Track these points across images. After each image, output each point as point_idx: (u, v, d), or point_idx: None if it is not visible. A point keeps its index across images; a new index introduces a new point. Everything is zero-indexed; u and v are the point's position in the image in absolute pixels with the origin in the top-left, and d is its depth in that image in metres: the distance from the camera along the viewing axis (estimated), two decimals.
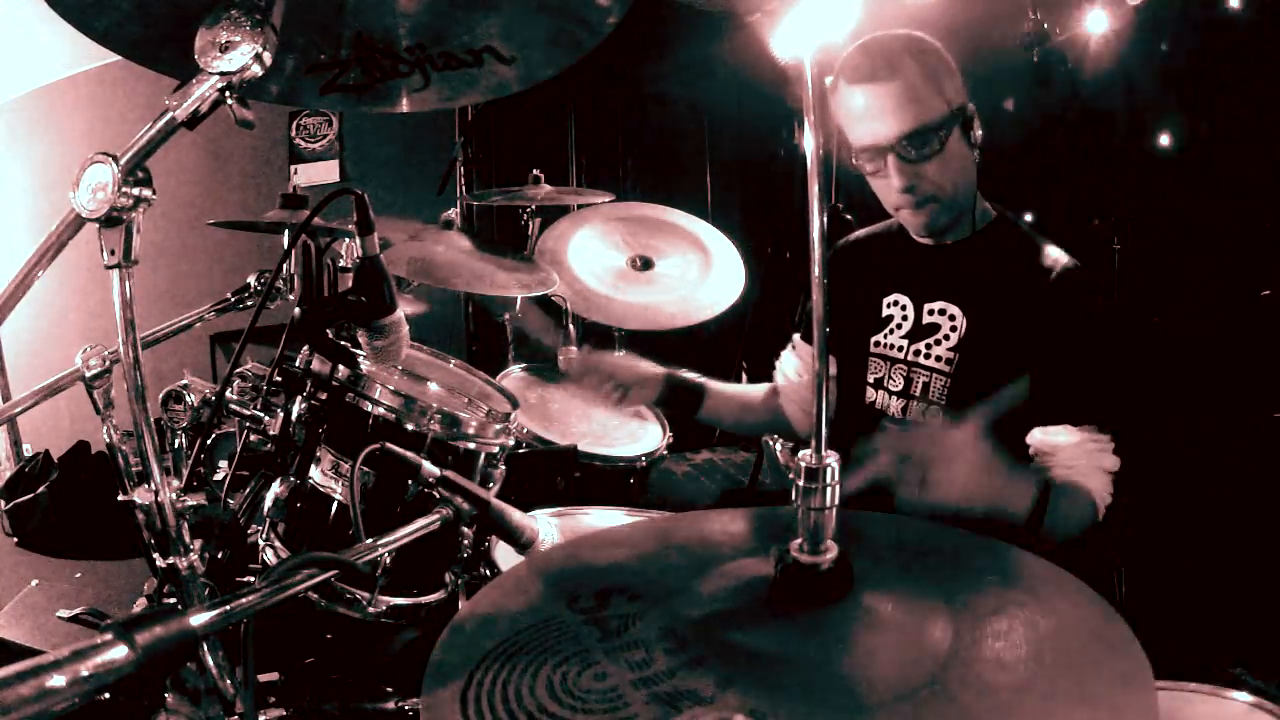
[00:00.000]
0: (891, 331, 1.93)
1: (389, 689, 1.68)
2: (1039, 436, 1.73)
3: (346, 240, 1.90)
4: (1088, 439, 1.70)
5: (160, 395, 1.61)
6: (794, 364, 2.21)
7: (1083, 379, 1.73)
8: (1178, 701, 1.30)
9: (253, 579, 1.50)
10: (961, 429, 1.50)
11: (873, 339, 1.96)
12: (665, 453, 2.70)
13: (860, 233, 2.16)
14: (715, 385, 2.21)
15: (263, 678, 1.67)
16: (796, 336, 2.21)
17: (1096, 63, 3.21)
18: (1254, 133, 3.16)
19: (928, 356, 1.86)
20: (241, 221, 2.70)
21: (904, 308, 1.93)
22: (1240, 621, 2.65)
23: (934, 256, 1.91)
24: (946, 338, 1.84)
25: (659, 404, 2.26)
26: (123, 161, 1.02)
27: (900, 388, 1.90)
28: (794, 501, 0.88)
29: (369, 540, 1.11)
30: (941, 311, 1.86)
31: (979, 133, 1.79)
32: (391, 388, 1.67)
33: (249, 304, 2.12)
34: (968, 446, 1.49)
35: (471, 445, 1.73)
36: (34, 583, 3.46)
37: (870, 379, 1.96)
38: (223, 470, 2.67)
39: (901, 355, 1.91)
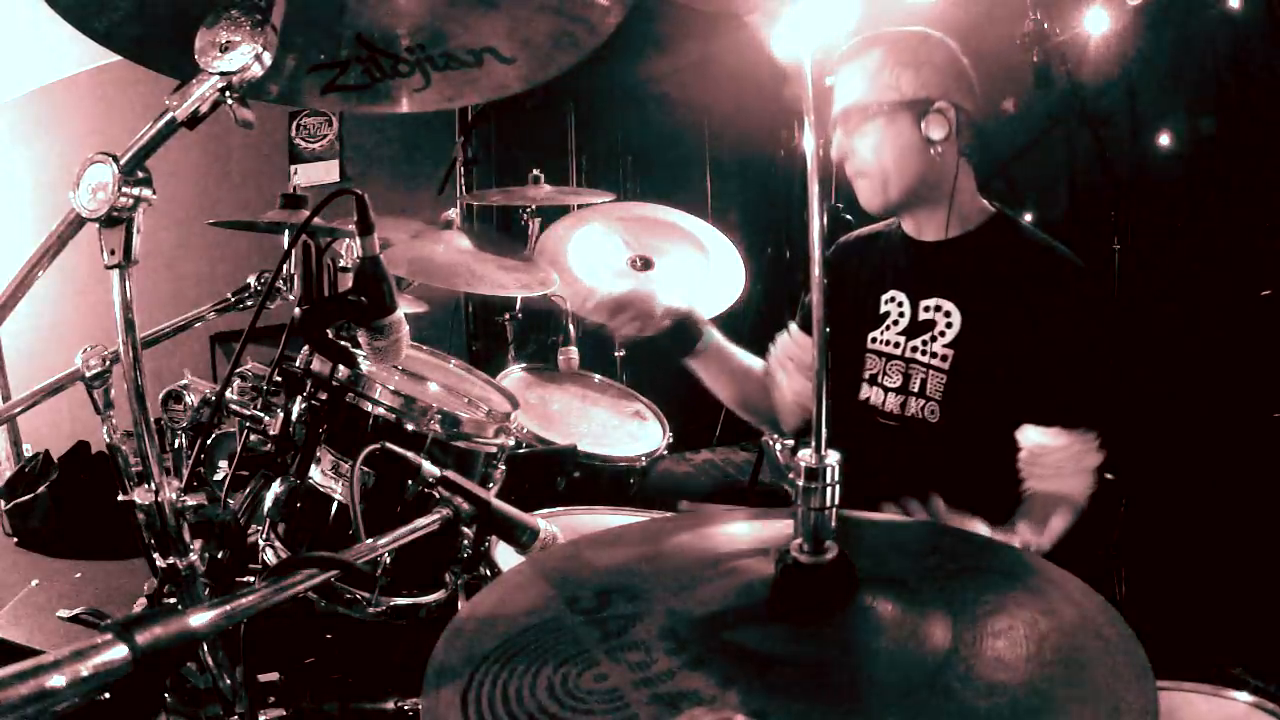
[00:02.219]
0: (889, 328, 1.93)
1: (389, 689, 1.68)
2: (1029, 440, 1.74)
3: (346, 240, 1.90)
4: (1076, 440, 1.71)
5: (160, 395, 1.60)
6: (789, 349, 2.19)
7: (1079, 376, 1.73)
8: (1178, 701, 1.30)
9: (253, 579, 1.50)
10: None
11: (870, 335, 1.96)
12: (665, 453, 2.70)
13: (860, 231, 2.16)
14: (720, 337, 2.20)
15: (263, 678, 1.67)
16: (793, 325, 2.20)
17: (1097, 63, 3.21)
18: (1254, 133, 3.16)
19: (924, 353, 1.86)
20: (241, 221, 2.69)
21: (901, 304, 1.93)
22: (1240, 621, 2.65)
23: (931, 253, 1.92)
24: (943, 334, 1.84)
25: (664, 337, 2.20)
26: (123, 161, 1.02)
27: (898, 384, 1.90)
28: (793, 501, 0.88)
29: (369, 540, 1.11)
30: (938, 308, 1.86)
31: (940, 130, 1.79)
32: (391, 388, 1.67)
33: (249, 304, 2.12)
34: None
35: (471, 445, 1.73)
36: (34, 583, 3.47)
37: (865, 375, 1.96)
38: (223, 470, 2.66)
39: (899, 351, 1.91)
